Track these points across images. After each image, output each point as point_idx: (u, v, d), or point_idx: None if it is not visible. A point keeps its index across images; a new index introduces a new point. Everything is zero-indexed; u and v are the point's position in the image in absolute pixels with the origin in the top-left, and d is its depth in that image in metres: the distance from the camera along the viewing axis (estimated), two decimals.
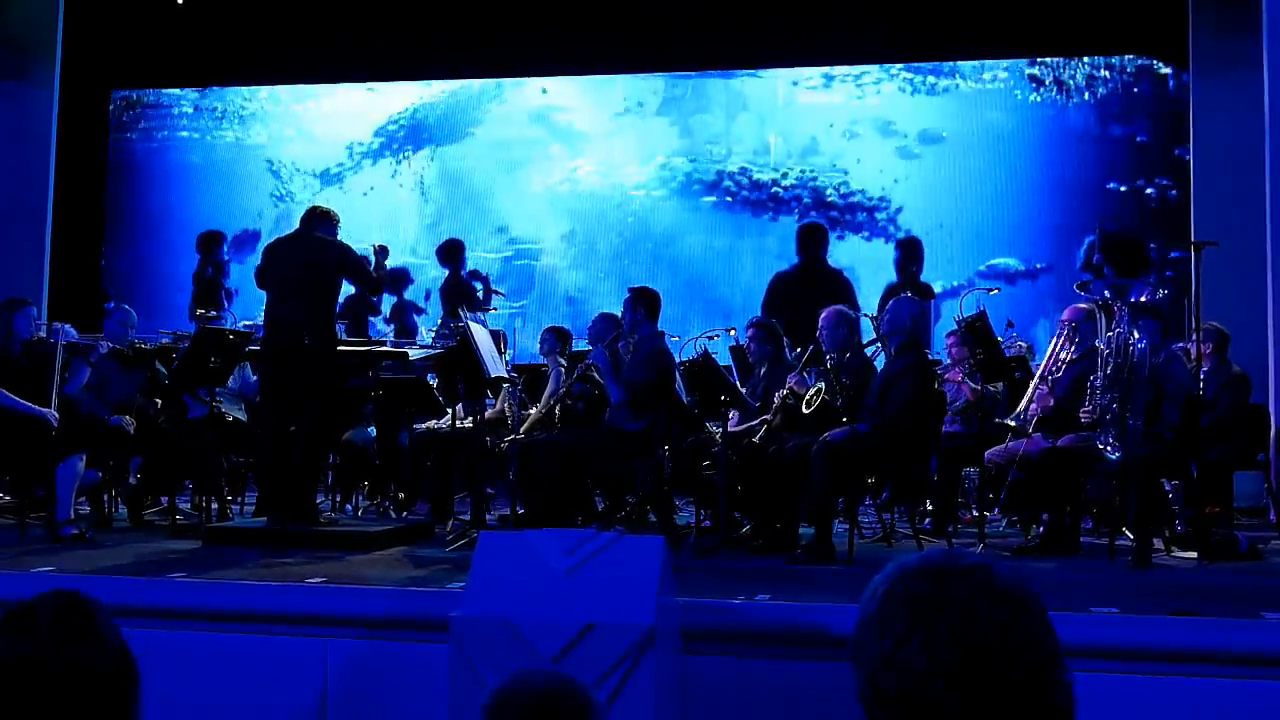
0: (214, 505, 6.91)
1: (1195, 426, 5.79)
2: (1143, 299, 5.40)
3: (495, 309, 9.06)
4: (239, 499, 7.79)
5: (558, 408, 7.06)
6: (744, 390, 6.63)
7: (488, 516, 6.67)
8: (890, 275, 10.61)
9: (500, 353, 7.02)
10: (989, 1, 10.13)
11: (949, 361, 7.29)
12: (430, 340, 9.15)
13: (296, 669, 4.11)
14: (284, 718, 4.09)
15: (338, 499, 7.85)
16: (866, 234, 10.71)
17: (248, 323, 7.45)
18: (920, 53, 10.59)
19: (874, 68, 10.80)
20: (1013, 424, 6.24)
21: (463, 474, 7.28)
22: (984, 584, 1.20)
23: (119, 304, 7.83)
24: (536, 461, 6.19)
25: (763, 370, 6.76)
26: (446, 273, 11.39)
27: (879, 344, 6.52)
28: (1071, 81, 10.46)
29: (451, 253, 11.39)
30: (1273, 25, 7.76)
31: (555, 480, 6.08)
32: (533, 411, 7.36)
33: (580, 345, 7.58)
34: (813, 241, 10.79)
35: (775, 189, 10.90)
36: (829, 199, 10.79)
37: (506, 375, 6.98)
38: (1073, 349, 6.07)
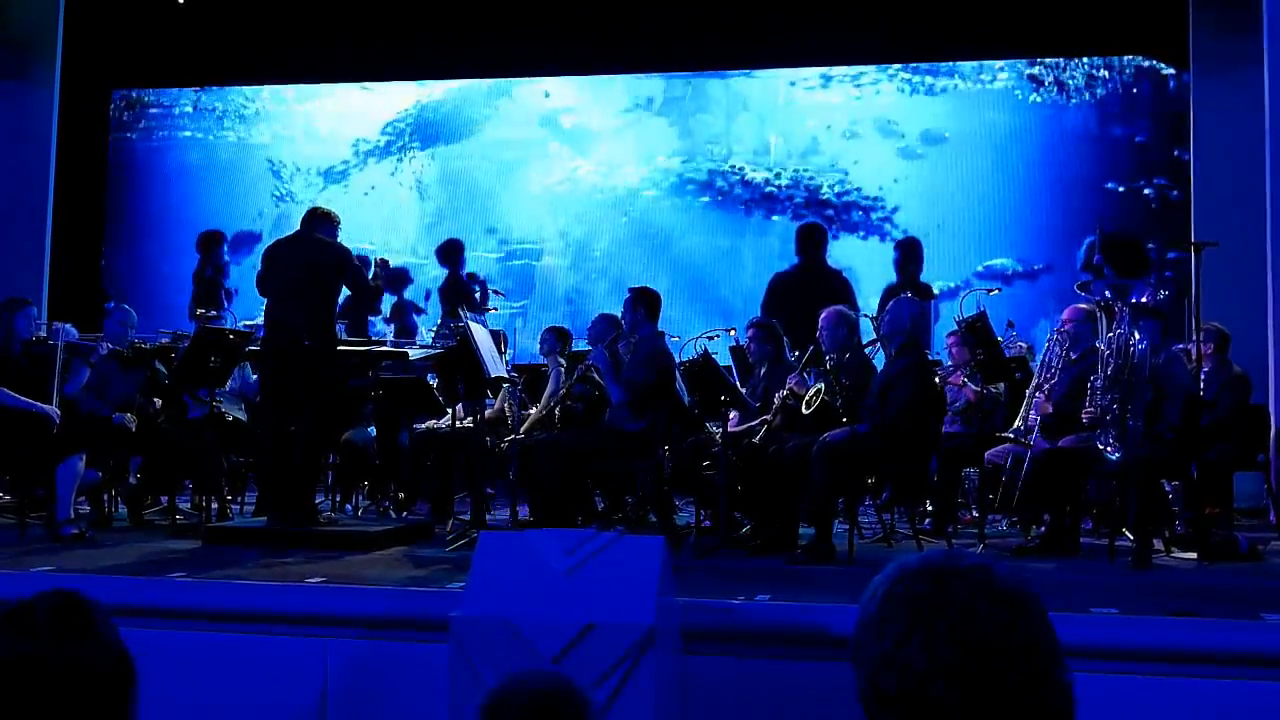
0: (214, 505, 6.91)
1: (1195, 427, 5.79)
2: (1143, 300, 5.41)
3: (495, 309, 9.07)
4: (239, 499, 7.78)
5: (557, 408, 7.06)
6: (744, 390, 6.63)
7: (489, 517, 6.67)
8: (890, 276, 10.61)
9: (500, 353, 7.02)
10: (989, 2, 10.13)
11: (951, 364, 7.29)
12: (430, 340, 9.15)
13: (296, 669, 4.11)
14: (284, 718, 4.09)
15: (338, 499, 7.85)
16: (862, 233, 10.71)
17: (248, 323, 7.45)
18: (921, 53, 10.59)
19: (874, 68, 10.80)
20: (1013, 437, 6.26)
21: (463, 474, 7.28)
22: (984, 584, 1.20)
23: (119, 304, 7.83)
24: (536, 461, 6.20)
25: (763, 370, 6.76)
26: (446, 273, 11.39)
27: (878, 344, 6.52)
28: (1071, 82, 10.46)
29: (451, 253, 11.39)
30: (1273, 25, 7.76)
31: (555, 480, 6.08)
32: (533, 411, 7.36)
33: (580, 345, 7.58)
34: (812, 242, 10.78)
35: (775, 189, 10.90)
36: (829, 199, 10.79)
37: (506, 375, 6.98)
38: (1068, 354, 6.11)
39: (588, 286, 11.11)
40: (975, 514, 6.91)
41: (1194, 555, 5.56)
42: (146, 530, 6.69)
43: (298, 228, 6.51)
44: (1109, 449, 5.40)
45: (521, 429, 7.04)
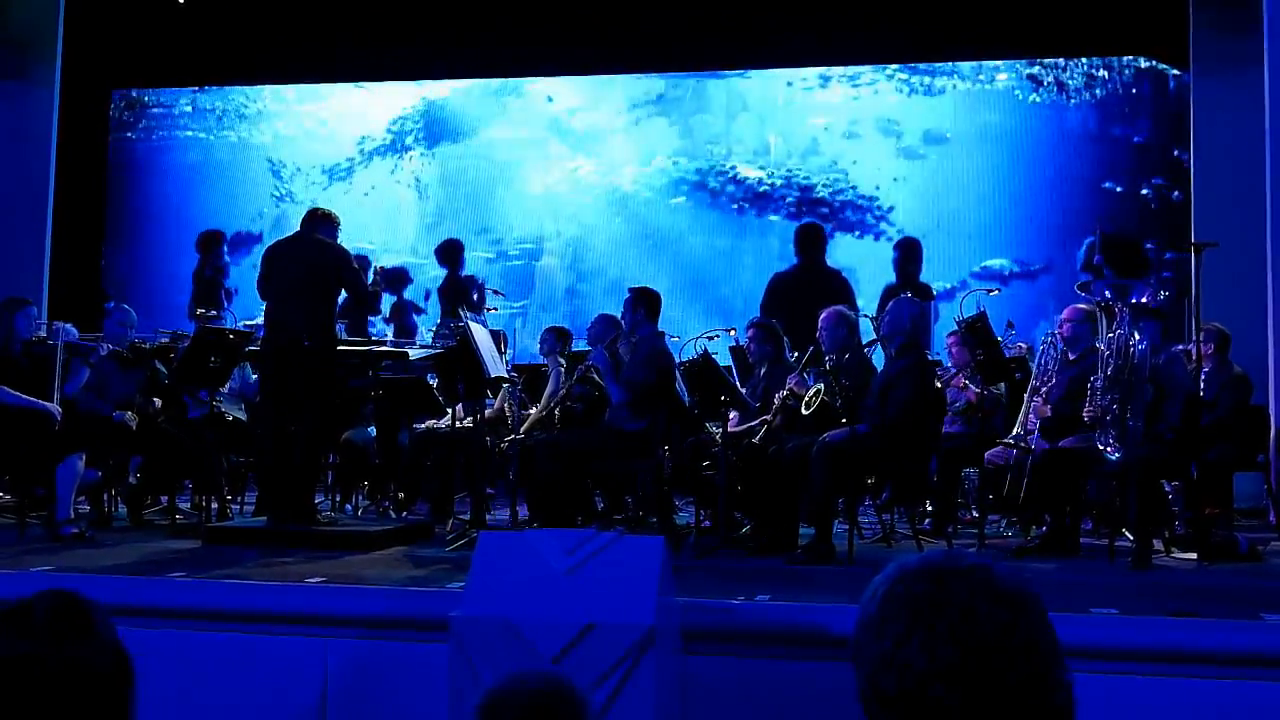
0: (214, 505, 6.90)
1: (1195, 427, 5.79)
2: (1143, 300, 5.41)
3: (495, 309, 9.06)
4: (239, 499, 7.78)
5: (557, 408, 7.05)
6: (744, 391, 6.63)
7: (488, 517, 6.67)
8: (889, 276, 10.61)
9: (500, 353, 7.02)
10: (989, 2, 10.12)
11: (952, 367, 7.28)
12: (430, 340, 9.14)
13: (296, 669, 4.11)
14: (284, 718, 4.09)
15: (338, 499, 7.85)
16: (858, 233, 10.71)
17: (248, 323, 7.45)
18: (920, 53, 10.59)
19: (874, 68, 10.80)
20: (1011, 443, 6.27)
21: (463, 474, 7.28)
22: (984, 584, 1.20)
23: (119, 304, 7.82)
24: (536, 461, 6.20)
25: (763, 371, 6.76)
26: (445, 273, 11.39)
27: (878, 344, 6.52)
28: (1071, 82, 10.46)
29: (450, 253, 11.39)
30: (1273, 25, 7.75)
31: (555, 480, 6.08)
32: (533, 411, 7.36)
33: (580, 345, 7.58)
34: (812, 242, 10.78)
35: (775, 189, 10.90)
36: (829, 199, 10.78)
37: (506, 375, 6.97)
38: (1065, 355, 6.12)
39: (587, 287, 11.11)
40: (975, 514, 6.91)
41: (1194, 555, 5.56)
42: (146, 530, 6.69)
43: (297, 228, 6.51)
44: (1109, 449, 5.40)
45: (521, 429, 7.03)
